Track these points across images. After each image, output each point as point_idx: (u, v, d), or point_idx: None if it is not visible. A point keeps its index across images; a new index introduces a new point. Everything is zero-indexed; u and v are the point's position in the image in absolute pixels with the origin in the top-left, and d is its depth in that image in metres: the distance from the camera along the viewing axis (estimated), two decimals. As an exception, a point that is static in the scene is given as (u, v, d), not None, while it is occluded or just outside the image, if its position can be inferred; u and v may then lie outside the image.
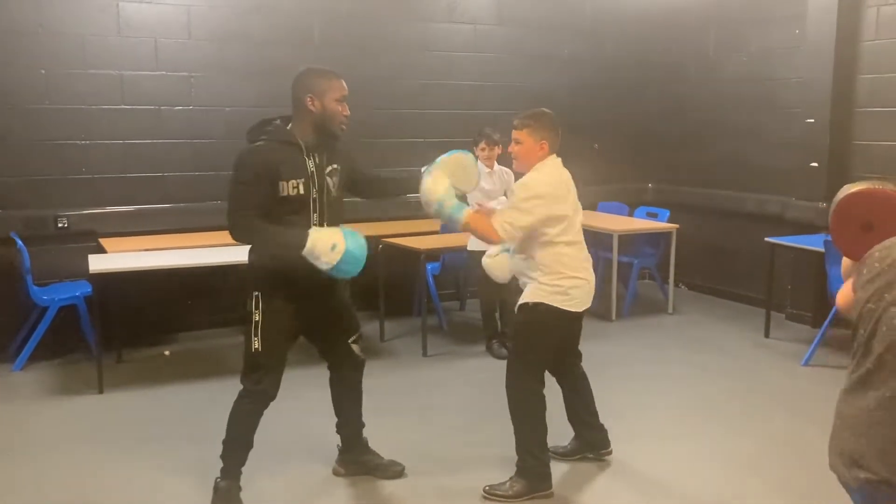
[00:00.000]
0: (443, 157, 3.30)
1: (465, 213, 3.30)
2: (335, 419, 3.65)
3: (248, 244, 3.21)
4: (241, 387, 3.27)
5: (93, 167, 5.69)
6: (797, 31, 6.35)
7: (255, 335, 3.16)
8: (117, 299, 5.25)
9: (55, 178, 5.59)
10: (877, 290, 1.85)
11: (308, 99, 3.11)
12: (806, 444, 3.99)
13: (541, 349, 3.47)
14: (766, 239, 5.92)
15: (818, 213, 6.08)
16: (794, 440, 4.11)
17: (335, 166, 3.23)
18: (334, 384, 3.59)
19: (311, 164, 3.13)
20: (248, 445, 3.31)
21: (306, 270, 3.06)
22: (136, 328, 5.62)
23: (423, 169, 3.33)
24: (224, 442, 3.30)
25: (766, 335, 5.97)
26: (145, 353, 5.56)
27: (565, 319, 3.42)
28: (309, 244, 2.99)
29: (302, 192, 3.10)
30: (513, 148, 3.45)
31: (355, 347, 3.48)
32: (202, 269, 4.97)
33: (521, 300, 3.47)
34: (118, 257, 5.10)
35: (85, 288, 5.28)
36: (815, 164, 6.18)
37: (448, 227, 6.06)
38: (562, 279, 3.36)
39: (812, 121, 6.17)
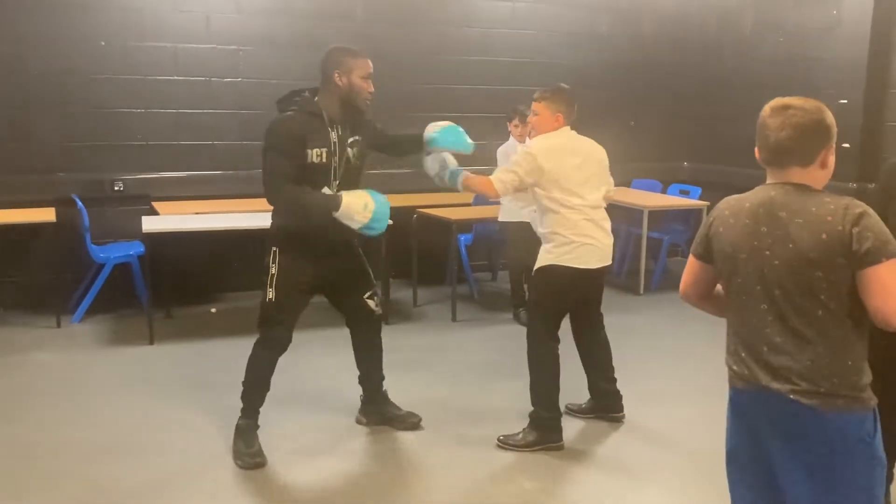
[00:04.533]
0: (433, 135, 3.62)
1: (462, 177, 3.61)
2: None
3: (284, 209, 3.42)
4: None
5: (147, 134, 6.03)
6: (834, 11, 6.37)
7: (270, 286, 3.43)
8: (168, 259, 5.55)
9: (113, 145, 5.95)
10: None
11: (336, 74, 3.36)
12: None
13: (554, 308, 3.70)
14: (795, 218, 5.98)
15: (849, 194, 6.11)
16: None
17: (357, 138, 3.46)
18: (354, 341, 3.85)
19: (333, 136, 3.38)
20: (265, 388, 3.56)
21: (323, 231, 3.35)
22: (185, 286, 5.96)
23: (428, 134, 3.63)
24: (243, 384, 3.57)
25: (792, 312, 6.05)
26: (193, 310, 5.92)
27: (578, 277, 3.63)
28: (344, 206, 3.25)
29: (325, 160, 3.35)
30: (531, 118, 3.74)
31: (370, 303, 3.71)
32: (248, 233, 5.24)
33: (536, 266, 3.70)
34: (170, 219, 5.44)
35: (138, 247, 5.63)
36: (847, 145, 6.22)
37: (479, 198, 6.27)
38: (569, 242, 3.59)
39: (845, 101, 6.20)
